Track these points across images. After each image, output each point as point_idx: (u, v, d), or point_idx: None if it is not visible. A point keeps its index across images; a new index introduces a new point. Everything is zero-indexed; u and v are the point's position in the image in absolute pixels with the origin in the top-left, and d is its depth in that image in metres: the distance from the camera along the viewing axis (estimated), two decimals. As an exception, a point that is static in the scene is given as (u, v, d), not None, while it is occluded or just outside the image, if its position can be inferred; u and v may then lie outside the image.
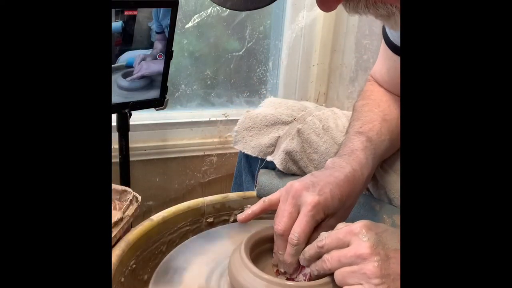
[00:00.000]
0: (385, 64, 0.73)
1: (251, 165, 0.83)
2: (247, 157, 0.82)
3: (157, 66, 1.03)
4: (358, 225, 0.47)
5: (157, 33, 0.99)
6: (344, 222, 0.50)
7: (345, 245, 0.47)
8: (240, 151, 0.81)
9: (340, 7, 0.47)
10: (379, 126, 0.65)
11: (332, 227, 0.52)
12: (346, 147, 0.62)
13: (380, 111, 0.68)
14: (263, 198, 0.59)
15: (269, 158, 0.74)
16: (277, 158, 0.73)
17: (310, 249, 0.50)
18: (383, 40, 0.71)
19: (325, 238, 0.49)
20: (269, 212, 0.72)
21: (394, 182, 0.66)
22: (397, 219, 0.63)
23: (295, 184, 0.55)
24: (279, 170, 0.75)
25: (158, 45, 1.01)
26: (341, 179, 0.56)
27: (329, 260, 0.47)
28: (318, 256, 0.49)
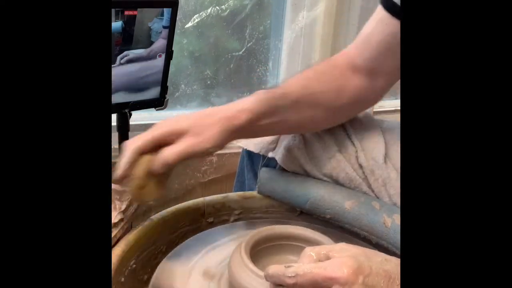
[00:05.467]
0: (370, 27, 0.68)
1: (254, 162, 0.84)
2: (249, 154, 0.83)
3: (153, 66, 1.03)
4: (344, 271, 0.40)
5: (164, 27, 0.99)
6: (312, 248, 0.44)
7: None
8: (243, 149, 0.81)
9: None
10: (288, 87, 0.63)
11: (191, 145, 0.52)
12: None
13: (303, 77, 0.66)
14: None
15: (270, 155, 0.75)
16: (278, 155, 0.73)
17: (275, 279, 0.43)
18: (378, 8, 0.66)
19: (297, 275, 0.41)
20: (270, 212, 0.73)
21: (394, 179, 0.67)
22: (397, 218, 0.63)
23: None
24: (280, 168, 0.75)
25: (162, 42, 1.00)
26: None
27: None
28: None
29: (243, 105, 0.56)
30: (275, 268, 0.43)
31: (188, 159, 0.53)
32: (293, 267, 0.42)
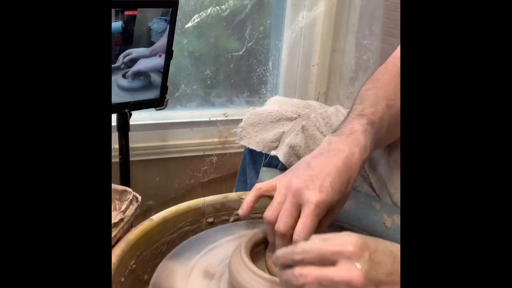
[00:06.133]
0: None
1: (256, 161, 0.84)
2: (251, 153, 0.83)
3: (154, 62, 1.02)
4: (350, 246, 0.40)
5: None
6: (320, 235, 0.44)
7: (329, 263, 0.41)
8: (245, 148, 0.82)
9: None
10: (381, 111, 0.62)
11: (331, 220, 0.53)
12: (345, 128, 0.59)
13: (385, 96, 0.64)
14: (257, 185, 0.56)
15: (273, 153, 0.75)
16: (280, 152, 0.74)
17: (283, 259, 0.44)
18: None
19: (304, 251, 0.42)
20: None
21: (396, 178, 0.67)
22: (397, 218, 0.63)
23: (293, 181, 0.53)
24: (281, 168, 0.75)
25: (165, 40, 1.00)
26: (340, 166, 0.54)
27: (302, 276, 0.41)
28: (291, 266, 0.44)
29: (365, 155, 0.57)
30: (284, 249, 0.44)
31: None
32: (301, 244, 0.43)
